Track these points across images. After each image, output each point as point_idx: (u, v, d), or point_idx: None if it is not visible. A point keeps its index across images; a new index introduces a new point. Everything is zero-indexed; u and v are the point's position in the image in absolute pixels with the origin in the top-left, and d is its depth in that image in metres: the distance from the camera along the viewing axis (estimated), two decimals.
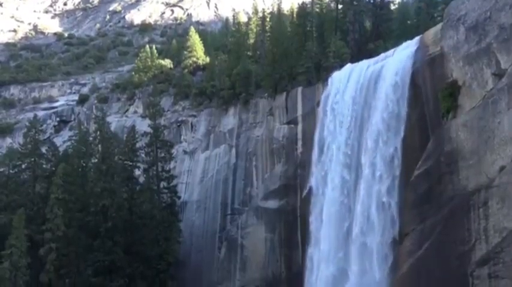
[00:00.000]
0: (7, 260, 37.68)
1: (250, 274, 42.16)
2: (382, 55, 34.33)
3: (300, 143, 40.95)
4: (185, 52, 62.76)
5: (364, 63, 35.06)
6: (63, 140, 58.45)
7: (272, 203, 41.87)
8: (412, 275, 26.53)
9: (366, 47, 43.77)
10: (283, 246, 40.16)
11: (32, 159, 46.50)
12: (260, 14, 56.10)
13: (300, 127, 41.39)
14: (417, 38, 31.45)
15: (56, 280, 39.18)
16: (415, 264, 26.55)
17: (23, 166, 46.98)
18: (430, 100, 28.65)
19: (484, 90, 25.15)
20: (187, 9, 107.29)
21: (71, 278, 39.95)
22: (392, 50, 34.09)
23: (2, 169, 47.86)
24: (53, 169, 45.60)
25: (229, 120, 49.37)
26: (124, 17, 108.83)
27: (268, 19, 53.57)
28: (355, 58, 39.74)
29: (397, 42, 36.21)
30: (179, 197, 48.01)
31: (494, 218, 23.26)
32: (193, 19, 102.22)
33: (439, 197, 26.27)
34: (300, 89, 42.49)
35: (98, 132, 46.63)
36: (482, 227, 23.66)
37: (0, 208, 44.49)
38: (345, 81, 35.13)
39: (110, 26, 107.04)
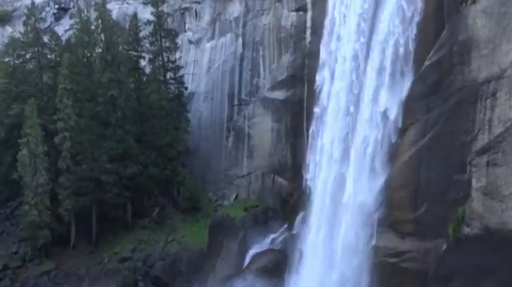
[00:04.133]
0: (25, 148, 39.59)
1: (257, 161, 44.15)
2: None
3: (308, 31, 39.44)
4: None
5: None
6: (64, 29, 56.86)
7: (279, 94, 42.01)
8: (412, 163, 27.52)
9: None
10: (289, 135, 41.28)
11: (36, 49, 45.91)
12: None
13: (309, 15, 39.48)
14: None
15: (73, 166, 41.49)
16: (416, 153, 27.37)
17: (27, 56, 46.54)
18: None
19: None
20: None
21: (87, 165, 42.21)
22: None
23: (7, 59, 47.51)
24: (58, 59, 45.24)
25: (235, 7, 47.07)
26: None
27: None
28: None
29: None
30: (186, 88, 48.25)
31: (500, 109, 23.37)
32: None
33: (448, 88, 26.04)
34: None
35: (100, 21, 45.16)
36: (487, 117, 23.87)
37: (10, 98, 45.27)
38: None
39: None
